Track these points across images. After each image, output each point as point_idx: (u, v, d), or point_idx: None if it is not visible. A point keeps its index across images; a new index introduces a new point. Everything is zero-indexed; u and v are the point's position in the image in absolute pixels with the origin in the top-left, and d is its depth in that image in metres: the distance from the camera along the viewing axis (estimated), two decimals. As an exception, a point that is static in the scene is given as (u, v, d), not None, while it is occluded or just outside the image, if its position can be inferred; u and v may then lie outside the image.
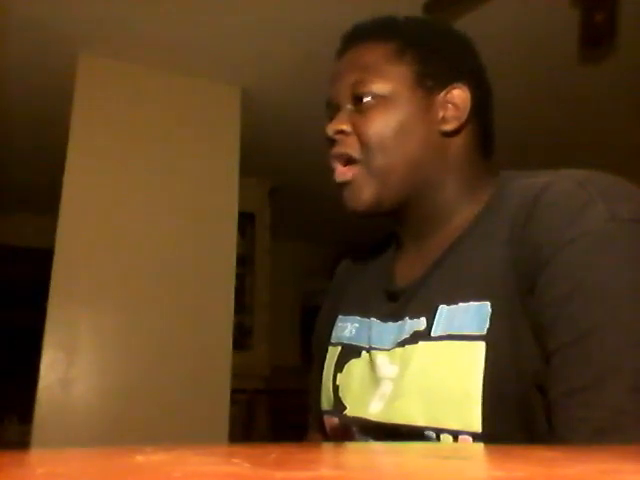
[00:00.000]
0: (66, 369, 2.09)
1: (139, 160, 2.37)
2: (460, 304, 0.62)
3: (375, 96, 0.69)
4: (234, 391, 2.32)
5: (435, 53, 0.71)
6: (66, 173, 2.22)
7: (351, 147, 0.70)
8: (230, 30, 2.22)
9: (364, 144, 0.69)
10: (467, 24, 2.05)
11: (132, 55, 2.37)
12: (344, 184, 0.70)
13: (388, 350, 0.69)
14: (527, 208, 0.59)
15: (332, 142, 0.71)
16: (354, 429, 0.71)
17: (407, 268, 0.73)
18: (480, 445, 0.54)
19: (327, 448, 0.36)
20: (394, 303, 0.72)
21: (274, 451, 0.32)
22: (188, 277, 2.32)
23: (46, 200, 2.66)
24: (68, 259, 2.15)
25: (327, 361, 0.79)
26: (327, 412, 0.78)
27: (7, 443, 3.53)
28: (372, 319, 0.74)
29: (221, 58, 2.41)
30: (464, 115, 0.69)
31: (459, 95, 0.69)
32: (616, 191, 0.57)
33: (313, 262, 4.74)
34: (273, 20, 2.15)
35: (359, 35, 0.74)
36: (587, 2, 1.79)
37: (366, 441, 0.69)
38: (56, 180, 2.22)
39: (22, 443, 2.96)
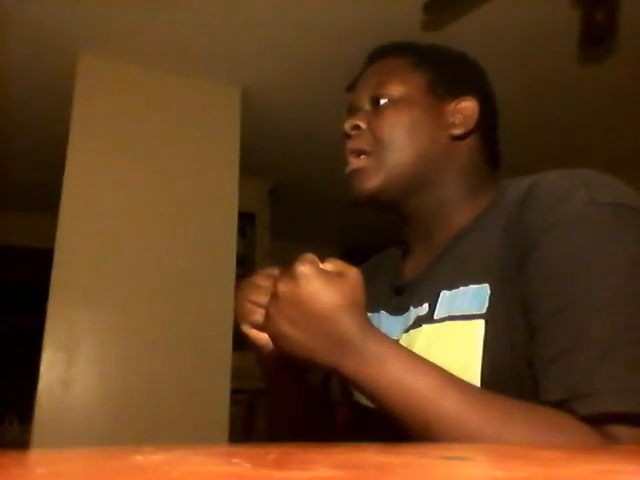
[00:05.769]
0: (66, 369, 2.09)
1: (139, 160, 2.37)
2: (461, 288, 0.67)
3: (390, 98, 0.75)
4: (234, 391, 2.31)
5: (447, 68, 0.78)
6: (66, 173, 2.21)
7: (365, 141, 0.76)
8: (230, 30, 2.22)
9: (377, 138, 0.75)
10: (467, 24, 2.07)
11: (132, 55, 2.37)
12: (353, 173, 0.76)
13: (396, 339, 0.73)
14: (521, 199, 0.65)
15: (348, 137, 0.78)
16: (367, 416, 0.74)
17: (413, 265, 0.79)
18: (480, 445, 0.54)
19: (327, 448, 0.36)
20: (400, 297, 0.77)
21: (274, 451, 0.32)
22: (188, 277, 2.32)
23: (46, 200, 2.66)
24: (68, 259, 2.15)
25: None
26: (339, 402, 0.84)
27: (7, 443, 3.52)
28: (382, 312, 0.79)
29: (221, 58, 2.41)
30: (471, 124, 0.75)
31: (468, 106, 0.76)
32: (599, 180, 0.61)
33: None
34: (273, 20, 2.15)
35: (381, 52, 0.82)
36: (587, 1, 1.79)
37: (378, 426, 0.72)
38: (56, 180, 2.22)
39: (22, 443, 2.96)
